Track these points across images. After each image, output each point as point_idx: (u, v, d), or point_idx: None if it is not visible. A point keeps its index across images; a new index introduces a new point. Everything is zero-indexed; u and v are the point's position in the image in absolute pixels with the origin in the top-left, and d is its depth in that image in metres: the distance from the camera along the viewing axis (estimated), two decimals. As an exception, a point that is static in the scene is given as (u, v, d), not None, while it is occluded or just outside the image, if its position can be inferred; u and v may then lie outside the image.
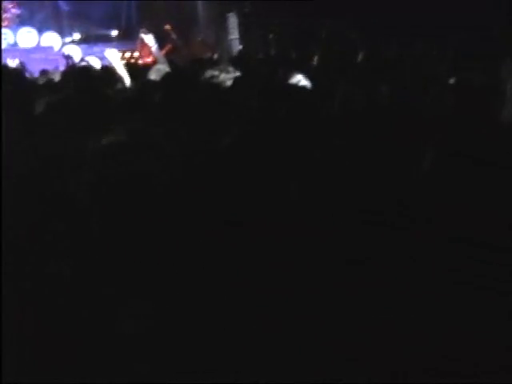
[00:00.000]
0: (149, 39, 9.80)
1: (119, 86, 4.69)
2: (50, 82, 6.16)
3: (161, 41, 10.89)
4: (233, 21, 12.95)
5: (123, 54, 11.81)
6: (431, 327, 1.63)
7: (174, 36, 12.69)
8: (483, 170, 1.76)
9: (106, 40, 13.64)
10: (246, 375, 1.62)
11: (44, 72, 8.40)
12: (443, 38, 6.20)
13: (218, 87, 3.67)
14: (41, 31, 13.44)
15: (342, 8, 8.76)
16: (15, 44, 13.11)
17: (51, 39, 13.49)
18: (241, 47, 11.98)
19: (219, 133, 2.21)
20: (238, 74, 3.87)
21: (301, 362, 1.63)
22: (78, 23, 13.91)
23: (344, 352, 1.65)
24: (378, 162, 2.06)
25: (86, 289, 1.72)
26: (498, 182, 1.73)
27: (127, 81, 4.79)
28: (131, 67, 5.61)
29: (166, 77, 3.96)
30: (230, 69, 3.96)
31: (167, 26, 12.76)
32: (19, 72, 5.01)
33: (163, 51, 10.55)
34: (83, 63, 7.44)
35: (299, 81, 3.86)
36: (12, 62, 8.62)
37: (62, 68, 9.44)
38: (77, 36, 13.83)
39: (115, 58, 5.14)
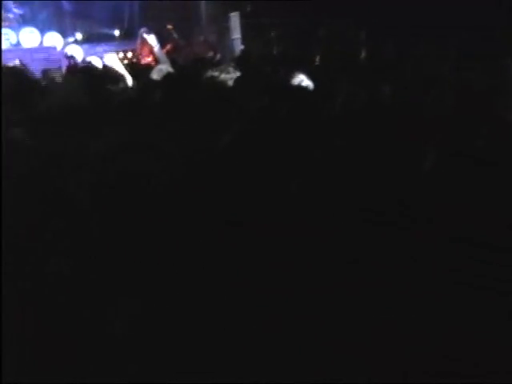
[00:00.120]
0: (151, 39, 9.83)
1: (121, 85, 4.69)
2: (52, 81, 6.17)
3: (163, 40, 10.92)
4: (235, 20, 12.95)
5: (125, 54, 11.81)
6: (431, 327, 1.63)
7: (175, 35, 12.69)
8: (485, 170, 1.76)
9: (109, 40, 13.61)
10: (246, 375, 1.61)
11: (46, 72, 8.40)
12: (445, 38, 6.20)
13: (219, 87, 3.66)
14: (43, 31, 13.43)
15: (344, 8, 8.77)
16: (18, 44, 13.11)
17: (54, 39, 13.48)
18: (243, 47, 11.97)
19: (221, 132, 2.21)
20: (238, 74, 3.86)
21: (301, 361, 1.63)
22: (80, 23, 13.90)
23: (344, 352, 1.65)
24: (379, 162, 2.05)
25: (86, 289, 1.72)
26: (500, 182, 1.73)
27: (129, 81, 4.79)
28: (133, 67, 5.62)
29: (167, 76, 3.95)
30: (231, 69, 3.95)
31: (169, 26, 12.77)
32: (20, 72, 5.01)
33: (164, 50, 10.56)
34: (85, 63, 7.45)
35: (301, 80, 3.85)
36: (14, 62, 8.62)
37: (64, 68, 9.47)
38: (79, 36, 13.82)
39: (115, 62, 5.15)
